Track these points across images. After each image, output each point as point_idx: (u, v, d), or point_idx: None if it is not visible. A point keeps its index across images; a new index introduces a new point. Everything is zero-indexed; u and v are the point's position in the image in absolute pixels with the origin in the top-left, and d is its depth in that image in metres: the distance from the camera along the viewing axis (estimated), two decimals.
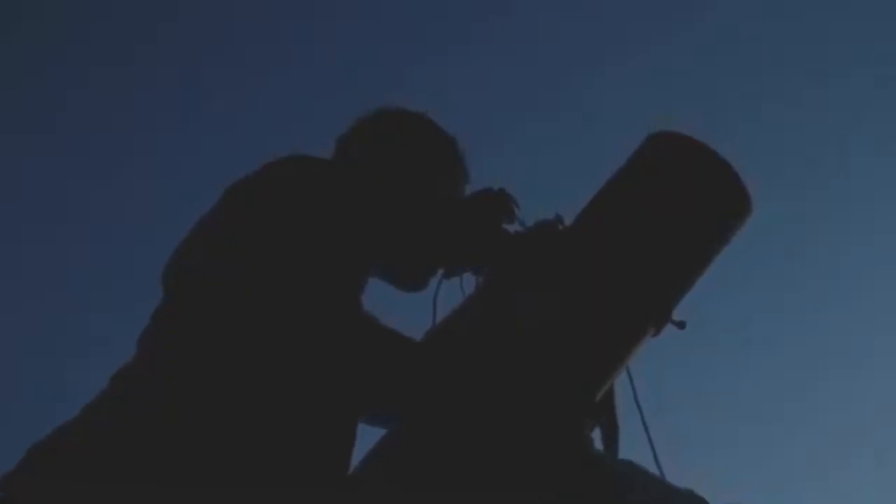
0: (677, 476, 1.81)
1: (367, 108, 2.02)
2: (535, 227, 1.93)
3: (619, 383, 1.90)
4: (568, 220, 1.94)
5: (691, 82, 4.77)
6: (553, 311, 1.81)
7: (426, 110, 2.04)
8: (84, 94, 4.60)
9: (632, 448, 1.87)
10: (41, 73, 4.59)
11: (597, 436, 1.86)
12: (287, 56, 4.93)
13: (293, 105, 4.85)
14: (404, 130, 1.99)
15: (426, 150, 1.98)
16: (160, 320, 1.70)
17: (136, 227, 4.68)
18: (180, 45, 4.79)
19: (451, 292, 1.97)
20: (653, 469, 1.85)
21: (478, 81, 4.82)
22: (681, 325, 1.89)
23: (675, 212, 1.88)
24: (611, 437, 1.87)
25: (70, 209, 4.57)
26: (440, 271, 1.99)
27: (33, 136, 4.57)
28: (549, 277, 1.85)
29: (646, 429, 1.90)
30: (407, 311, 1.93)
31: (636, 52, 4.78)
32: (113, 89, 4.64)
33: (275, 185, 1.72)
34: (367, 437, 1.76)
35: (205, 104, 4.79)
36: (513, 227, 1.97)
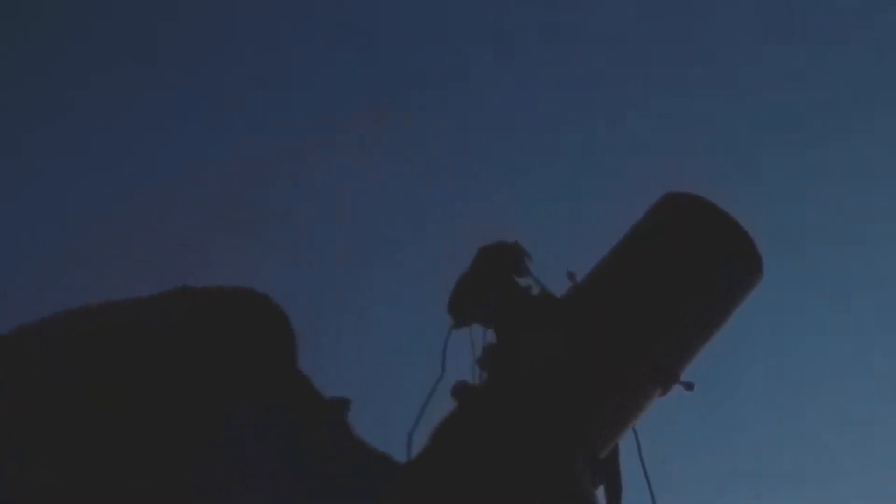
0: None
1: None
2: (541, 294, 1.95)
3: (625, 441, 1.94)
4: (579, 274, 1.97)
5: (716, 126, 4.76)
6: (558, 348, 1.85)
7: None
8: (84, 94, 4.59)
9: None
10: (41, 73, 4.58)
11: (601, 493, 1.90)
12: (287, 56, 4.92)
13: (293, 105, 4.85)
14: None
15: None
16: None
17: (136, 227, 4.67)
18: (180, 45, 4.78)
19: (460, 343, 1.99)
20: None
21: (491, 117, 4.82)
22: (689, 386, 1.91)
23: (688, 273, 1.92)
24: (614, 496, 1.90)
25: (70, 209, 4.56)
26: (450, 322, 2.01)
27: (33, 136, 4.57)
28: (556, 325, 1.89)
29: (649, 487, 1.94)
30: (417, 363, 1.95)
31: (656, 97, 4.78)
32: (113, 89, 4.63)
33: None
34: None
35: (205, 104, 4.79)
36: (525, 281, 2.00)
